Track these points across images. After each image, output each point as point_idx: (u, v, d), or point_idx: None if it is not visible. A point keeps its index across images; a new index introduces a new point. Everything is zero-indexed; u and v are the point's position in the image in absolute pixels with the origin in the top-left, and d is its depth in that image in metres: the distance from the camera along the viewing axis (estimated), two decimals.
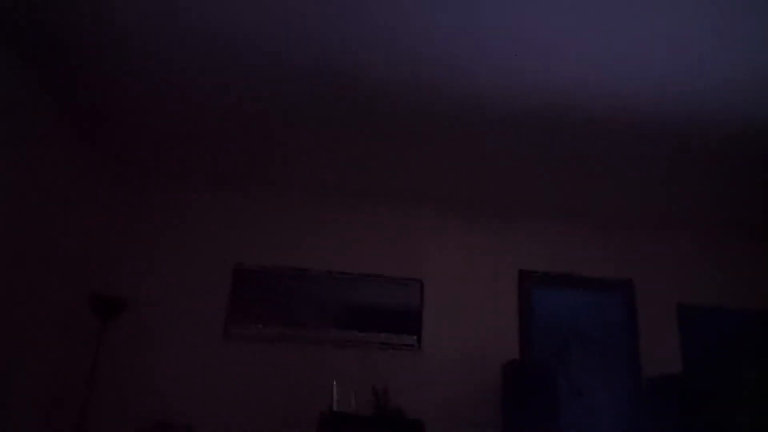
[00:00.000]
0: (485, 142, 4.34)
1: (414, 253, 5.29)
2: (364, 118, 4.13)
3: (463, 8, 3.00)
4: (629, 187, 4.88)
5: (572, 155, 4.45)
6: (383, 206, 5.40)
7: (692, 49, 3.20)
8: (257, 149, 4.70)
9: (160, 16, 3.21)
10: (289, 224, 5.28)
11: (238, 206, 5.29)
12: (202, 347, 4.86)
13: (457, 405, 4.87)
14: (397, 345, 4.97)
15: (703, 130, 3.98)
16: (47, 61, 3.69)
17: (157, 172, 5.27)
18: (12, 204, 3.77)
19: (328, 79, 3.70)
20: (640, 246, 5.48)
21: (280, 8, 3.10)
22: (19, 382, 4.06)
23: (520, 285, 5.26)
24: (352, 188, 5.31)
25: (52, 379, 4.50)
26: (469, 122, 4.09)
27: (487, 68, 3.48)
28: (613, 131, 4.08)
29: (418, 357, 4.98)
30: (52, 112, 4.12)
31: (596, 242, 5.45)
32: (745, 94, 3.56)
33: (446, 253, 5.32)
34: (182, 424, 4.60)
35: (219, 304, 4.99)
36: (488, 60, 3.40)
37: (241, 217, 5.26)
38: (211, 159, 4.93)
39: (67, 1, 3.14)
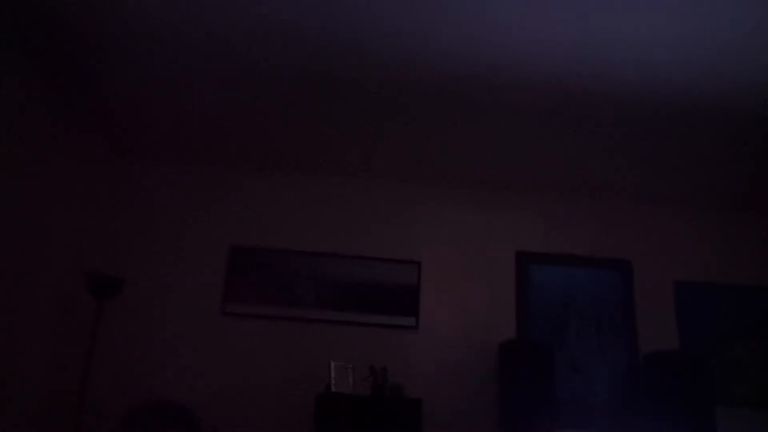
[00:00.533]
0: (482, 120, 4.31)
1: (411, 234, 5.28)
2: (360, 96, 4.10)
3: None
4: (627, 165, 4.87)
5: (570, 134, 4.43)
6: (381, 188, 5.39)
7: (698, 24, 3.16)
8: (254, 129, 4.67)
9: None
10: (287, 205, 5.26)
11: (235, 186, 5.26)
12: (199, 327, 4.86)
13: (455, 384, 4.89)
14: (395, 325, 4.98)
15: (703, 109, 3.96)
16: (39, 38, 3.64)
17: (154, 151, 5.23)
18: (5, 184, 3.73)
19: (324, 54, 3.65)
20: (638, 225, 5.48)
21: None
22: (17, 363, 4.05)
23: (518, 265, 5.26)
24: (350, 169, 5.28)
25: (50, 359, 4.50)
26: (466, 99, 4.06)
27: (483, 42, 3.44)
28: (611, 108, 4.06)
29: (416, 337, 5.00)
30: (44, 89, 4.06)
31: (593, 222, 5.45)
32: (747, 73, 3.54)
33: (443, 234, 5.31)
34: (180, 402, 4.60)
35: (216, 283, 4.98)
36: (483, 33, 3.36)
37: (238, 196, 5.23)
38: (208, 138, 4.90)
39: None
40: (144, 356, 4.75)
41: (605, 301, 5.26)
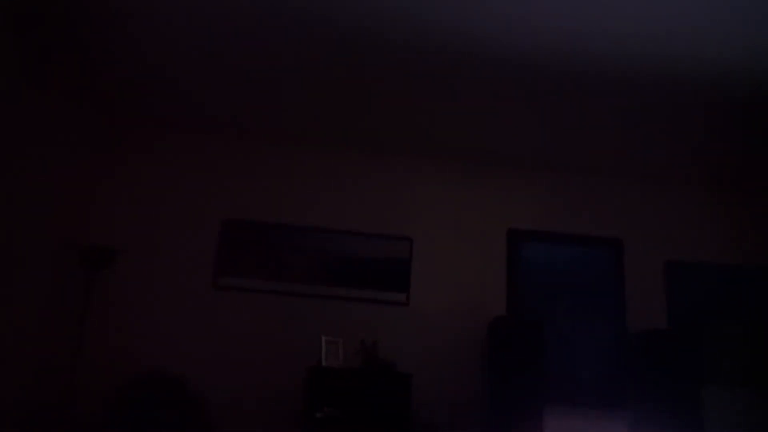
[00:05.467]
0: (476, 97, 4.28)
1: (403, 210, 5.27)
2: (357, 69, 4.05)
3: None
4: (620, 145, 4.86)
5: (563, 113, 4.41)
6: (373, 163, 5.36)
7: (689, 4, 3.13)
8: (249, 100, 4.62)
9: None
10: (279, 179, 5.23)
11: (228, 159, 5.22)
12: (191, 300, 4.86)
13: (444, 359, 4.94)
14: (386, 300, 5.00)
15: (692, 86, 3.95)
16: (28, 3, 3.56)
17: (146, 123, 5.18)
18: None
19: (320, 26, 3.60)
20: (630, 204, 5.49)
21: None
22: (8, 333, 4.04)
23: (509, 242, 5.28)
24: (344, 144, 5.25)
25: (41, 329, 4.49)
26: (460, 76, 4.02)
27: (479, 16, 3.40)
28: (603, 87, 4.03)
29: (407, 312, 5.02)
30: (32, 57, 3.99)
31: (585, 200, 5.46)
32: (740, 52, 3.52)
33: (436, 210, 5.31)
34: (172, 374, 4.63)
35: (208, 257, 4.97)
36: (480, 7, 3.32)
37: (230, 169, 5.20)
38: (201, 109, 4.85)
39: None
40: (136, 328, 4.76)
41: (596, 279, 5.30)
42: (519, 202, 5.40)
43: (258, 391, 4.73)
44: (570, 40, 3.54)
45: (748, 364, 5.11)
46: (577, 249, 5.35)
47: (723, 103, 4.12)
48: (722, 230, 5.48)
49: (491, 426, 4.50)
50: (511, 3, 3.24)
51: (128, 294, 4.83)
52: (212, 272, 4.94)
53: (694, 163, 5.12)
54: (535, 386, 4.50)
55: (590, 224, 5.40)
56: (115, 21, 3.65)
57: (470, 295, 5.11)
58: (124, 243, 4.93)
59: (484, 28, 3.48)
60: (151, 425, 4.28)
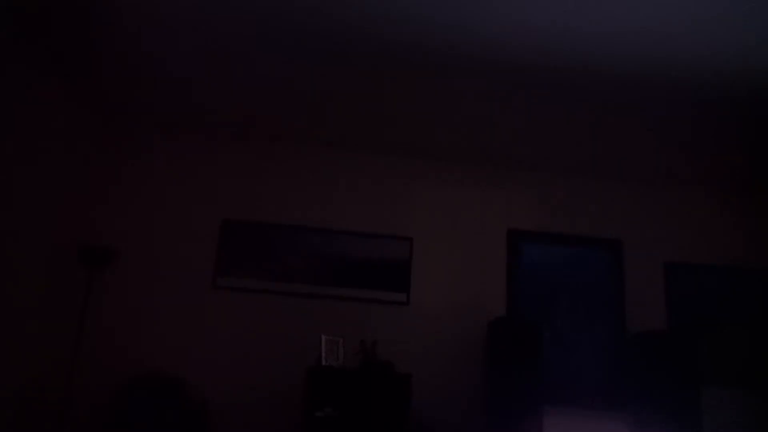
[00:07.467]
0: (475, 99, 4.29)
1: (404, 210, 5.28)
2: (355, 70, 4.06)
3: None
4: (619, 145, 4.87)
5: (563, 114, 4.42)
6: (373, 163, 5.36)
7: (687, 12, 3.14)
8: (247, 101, 4.63)
9: None
10: (279, 179, 5.23)
11: (227, 159, 5.22)
12: (190, 300, 4.86)
13: (444, 360, 4.94)
14: (386, 300, 5.00)
15: (692, 86, 3.96)
16: (33, 4, 3.56)
17: (146, 123, 5.18)
18: None
19: (319, 28, 3.61)
20: (630, 205, 5.50)
21: None
22: (6, 333, 4.04)
23: (509, 243, 5.28)
24: (343, 144, 5.26)
25: (40, 330, 4.49)
26: (459, 78, 4.03)
27: (479, 18, 3.41)
28: (602, 89, 4.04)
29: (407, 312, 5.03)
30: (33, 56, 3.99)
31: (585, 201, 5.47)
32: (737, 54, 3.53)
33: (436, 211, 5.31)
34: (173, 373, 4.63)
35: (207, 257, 4.97)
36: (480, 9, 3.33)
37: (229, 169, 5.20)
38: (202, 109, 4.85)
39: None
40: (136, 328, 4.76)
41: (595, 280, 5.30)
42: (519, 202, 5.41)
43: (258, 391, 4.72)
44: (570, 41, 3.54)
45: (747, 365, 5.12)
46: (576, 250, 5.36)
47: (722, 102, 4.13)
48: (721, 231, 5.49)
49: (491, 426, 4.50)
50: (512, 5, 3.25)
51: (128, 294, 4.83)
52: (212, 272, 4.94)
53: (692, 164, 5.13)
54: (534, 387, 4.50)
55: (590, 225, 5.41)
56: (117, 22, 3.66)
57: (470, 295, 5.12)
58: (124, 244, 4.93)
59: (484, 30, 3.49)
60: (151, 425, 4.28)
